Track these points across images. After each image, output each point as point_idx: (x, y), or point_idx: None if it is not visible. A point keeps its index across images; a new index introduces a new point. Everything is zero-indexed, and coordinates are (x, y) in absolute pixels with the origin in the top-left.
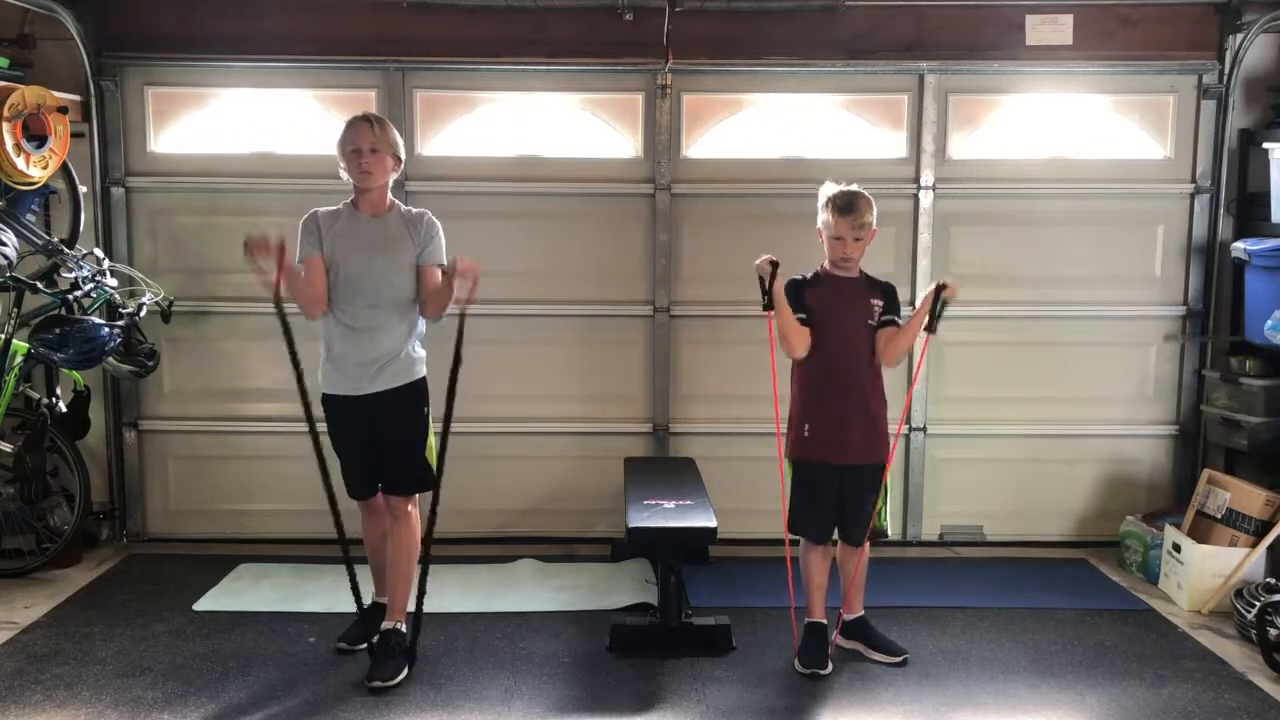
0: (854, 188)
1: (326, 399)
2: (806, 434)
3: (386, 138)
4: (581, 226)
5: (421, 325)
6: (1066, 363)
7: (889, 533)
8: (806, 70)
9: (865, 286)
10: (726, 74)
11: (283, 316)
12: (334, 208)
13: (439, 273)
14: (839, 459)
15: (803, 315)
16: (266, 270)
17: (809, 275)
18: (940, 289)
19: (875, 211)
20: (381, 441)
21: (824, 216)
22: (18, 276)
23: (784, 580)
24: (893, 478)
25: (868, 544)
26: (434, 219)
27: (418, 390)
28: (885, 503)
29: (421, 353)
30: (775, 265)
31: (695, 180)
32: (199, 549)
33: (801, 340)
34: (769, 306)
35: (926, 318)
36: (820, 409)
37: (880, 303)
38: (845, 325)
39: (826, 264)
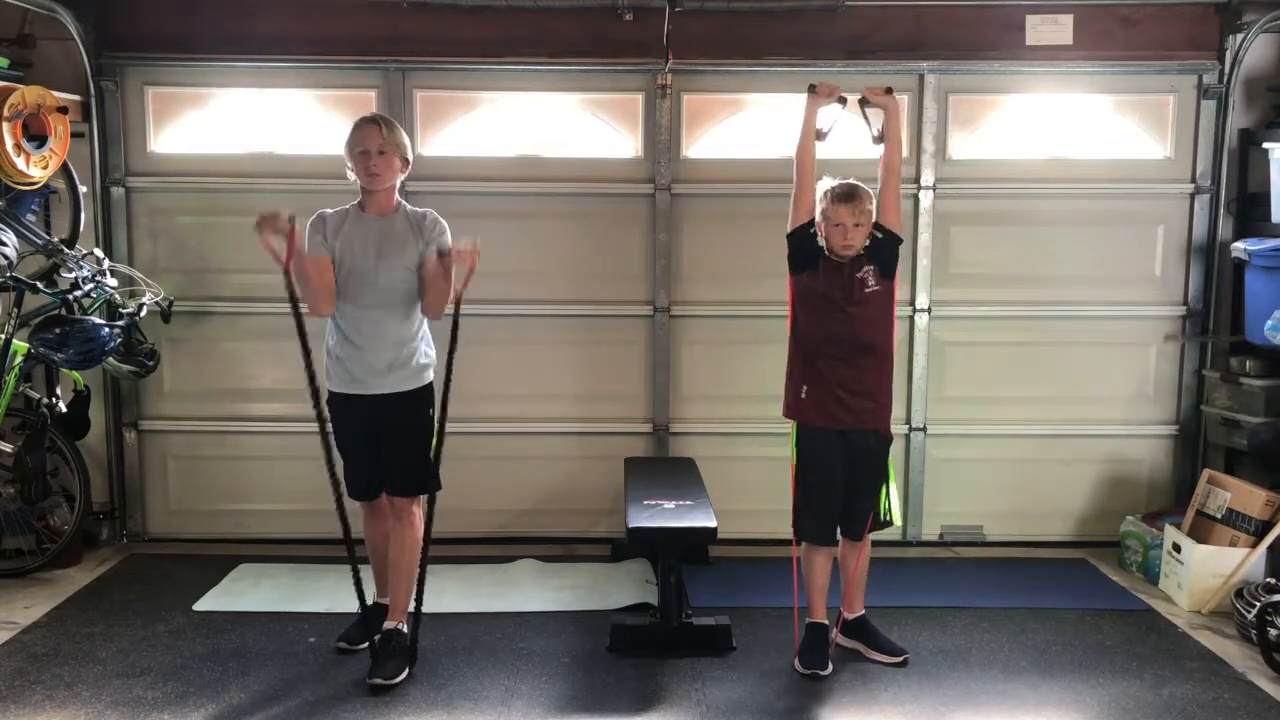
0: (852, 180)
1: (331, 397)
2: (804, 396)
3: (394, 139)
4: (581, 226)
5: (428, 326)
6: (1066, 363)
7: (895, 521)
8: (806, 70)
9: (861, 260)
10: (726, 74)
11: (298, 315)
12: (340, 209)
13: (434, 259)
14: (837, 424)
15: (809, 228)
16: (277, 249)
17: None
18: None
19: (875, 204)
20: (385, 442)
21: (823, 206)
22: (18, 276)
23: (784, 580)
24: (895, 468)
25: (869, 543)
26: (439, 218)
27: (424, 395)
28: (889, 490)
29: (430, 357)
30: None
31: (695, 180)
32: (199, 549)
33: (807, 154)
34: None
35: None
36: (816, 375)
37: (871, 266)
38: (842, 302)
39: (827, 255)
